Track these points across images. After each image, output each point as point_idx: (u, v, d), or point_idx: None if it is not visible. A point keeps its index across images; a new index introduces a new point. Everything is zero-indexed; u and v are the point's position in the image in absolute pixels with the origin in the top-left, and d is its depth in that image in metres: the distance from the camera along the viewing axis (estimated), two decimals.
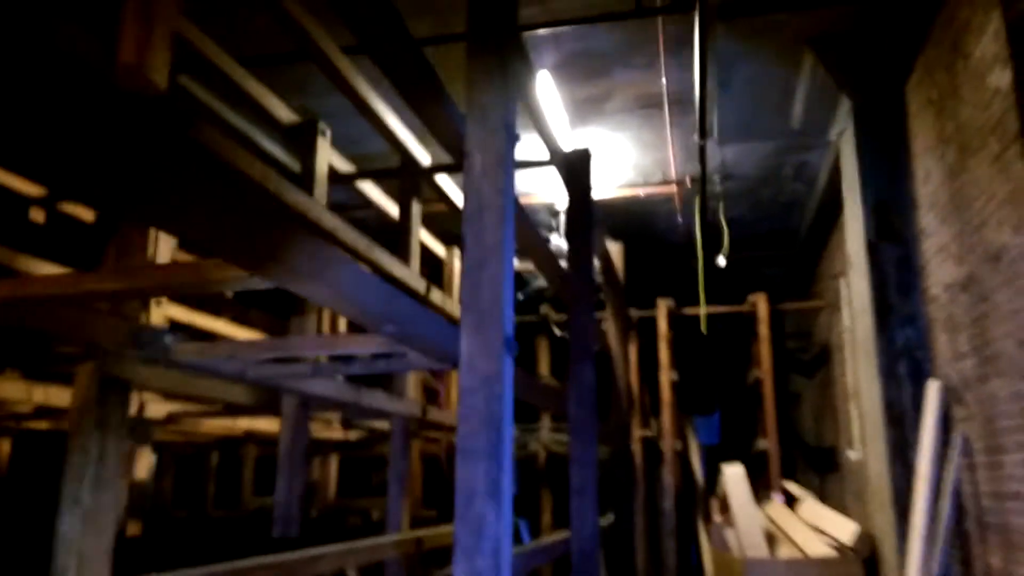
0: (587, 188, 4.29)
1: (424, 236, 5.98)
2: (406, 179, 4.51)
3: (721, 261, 7.49)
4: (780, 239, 10.00)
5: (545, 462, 7.88)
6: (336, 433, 5.73)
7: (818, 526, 6.69)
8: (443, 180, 4.62)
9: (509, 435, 2.24)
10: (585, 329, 4.10)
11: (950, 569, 4.32)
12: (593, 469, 3.89)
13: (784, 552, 6.34)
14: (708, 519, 7.82)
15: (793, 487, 8.13)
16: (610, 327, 6.17)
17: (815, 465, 9.62)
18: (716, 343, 10.90)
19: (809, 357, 10.18)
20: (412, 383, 4.35)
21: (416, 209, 4.54)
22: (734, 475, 6.46)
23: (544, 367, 8.70)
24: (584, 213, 4.20)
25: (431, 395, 7.11)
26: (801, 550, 6.33)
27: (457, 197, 4.86)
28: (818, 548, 6.21)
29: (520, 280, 6.77)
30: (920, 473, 4.51)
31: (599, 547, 3.88)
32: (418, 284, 4.43)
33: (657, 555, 8.46)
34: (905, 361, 4.85)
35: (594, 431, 3.99)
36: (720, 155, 7.34)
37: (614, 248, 6.28)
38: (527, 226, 3.72)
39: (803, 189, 8.31)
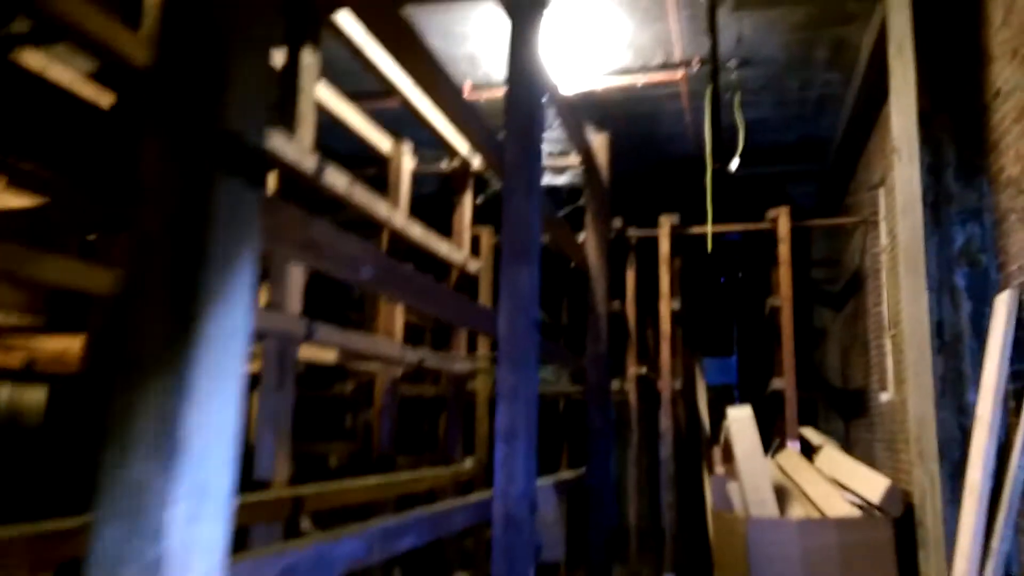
0: (538, 14, 3.08)
1: (360, 124, 4.84)
2: (292, 16, 3.34)
3: (734, 164, 6.20)
4: (809, 150, 8.59)
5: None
6: None
7: (840, 480, 5.64)
8: (348, 21, 3.43)
9: (241, 318, 1.16)
10: (522, 216, 2.96)
11: (1017, 544, 3.23)
12: (528, 408, 2.83)
13: (797, 511, 5.30)
14: (712, 470, 6.80)
15: (812, 434, 7.04)
16: (589, 239, 5.02)
17: (840, 410, 8.51)
18: (732, 271, 9.69)
19: (838, 288, 8.94)
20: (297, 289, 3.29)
21: (310, 60, 3.38)
22: (739, 419, 5.39)
23: None
24: (528, 50, 3.01)
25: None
26: (818, 508, 5.30)
27: (374, 52, 3.68)
28: (839, 506, 5.17)
29: (479, 181, 5.59)
30: (980, 417, 3.37)
31: (533, 511, 2.86)
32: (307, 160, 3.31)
33: (656, 510, 7.48)
34: (964, 269, 3.64)
35: (533, 357, 2.92)
36: (737, 29, 5.96)
37: (597, 141, 5.05)
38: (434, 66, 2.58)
39: (839, 80, 6.88)
